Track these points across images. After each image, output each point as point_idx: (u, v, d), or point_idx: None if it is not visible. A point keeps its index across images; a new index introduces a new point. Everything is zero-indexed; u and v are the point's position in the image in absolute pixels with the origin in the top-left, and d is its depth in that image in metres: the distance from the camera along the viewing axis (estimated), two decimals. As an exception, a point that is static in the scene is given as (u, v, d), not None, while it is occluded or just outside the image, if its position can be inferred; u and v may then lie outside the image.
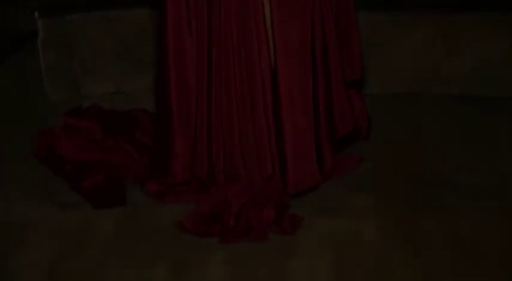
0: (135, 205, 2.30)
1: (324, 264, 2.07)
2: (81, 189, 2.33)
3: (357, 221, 2.21)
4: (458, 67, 2.84)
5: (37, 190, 2.38)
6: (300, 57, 2.19)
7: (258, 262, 2.08)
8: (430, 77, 2.87)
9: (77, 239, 2.17)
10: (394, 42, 2.84)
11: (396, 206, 2.27)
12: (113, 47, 2.83)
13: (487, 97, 2.83)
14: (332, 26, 2.25)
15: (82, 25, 2.80)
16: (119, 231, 2.20)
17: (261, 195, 2.24)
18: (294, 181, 2.24)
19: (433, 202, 2.29)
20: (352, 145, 2.51)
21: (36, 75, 2.81)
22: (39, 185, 2.40)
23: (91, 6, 2.82)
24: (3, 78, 2.68)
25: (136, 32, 2.82)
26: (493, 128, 2.66)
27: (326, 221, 2.21)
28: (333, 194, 2.32)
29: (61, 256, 2.10)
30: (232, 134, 2.22)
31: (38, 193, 2.36)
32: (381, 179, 2.40)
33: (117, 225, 2.22)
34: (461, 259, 2.06)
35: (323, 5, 2.21)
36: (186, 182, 2.31)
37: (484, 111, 2.77)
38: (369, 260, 2.08)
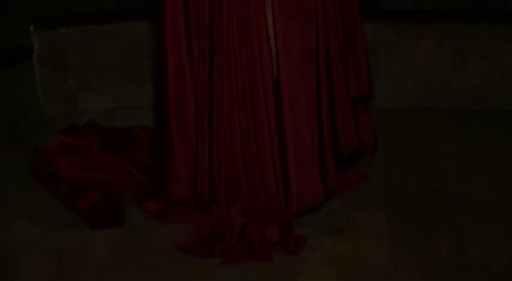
0: (134, 225, 2.25)
1: (329, 284, 2.02)
2: (78, 209, 2.28)
3: (362, 240, 2.17)
4: (464, 80, 2.83)
5: (33, 208, 2.33)
6: (303, 68, 2.13)
7: (261, 283, 2.04)
8: (435, 91, 2.85)
9: (75, 260, 2.12)
10: (398, 56, 2.82)
11: (401, 224, 2.23)
12: (109, 62, 2.81)
13: (494, 110, 2.81)
14: (336, 37, 2.21)
15: (78, 39, 2.77)
16: (117, 252, 2.14)
17: (265, 214, 2.19)
18: (298, 198, 2.18)
19: (439, 219, 2.25)
20: (357, 161, 2.47)
21: (31, 91, 2.76)
22: (35, 203, 2.35)
23: (87, 20, 2.80)
24: None
25: (132, 46, 2.80)
26: (501, 142, 2.63)
27: (331, 240, 2.16)
28: (337, 213, 2.28)
29: (59, 277, 2.05)
30: (234, 152, 2.17)
31: (34, 211, 2.31)
32: (385, 197, 2.36)
33: (116, 245, 2.17)
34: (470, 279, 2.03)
35: (327, 16, 2.17)
36: (186, 200, 2.26)
37: (490, 125, 2.75)
38: (374, 279, 2.03)
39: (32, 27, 2.72)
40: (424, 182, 2.42)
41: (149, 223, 2.25)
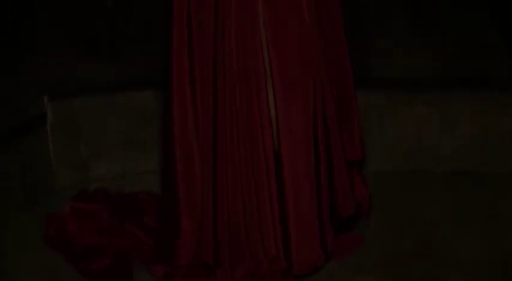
0: (143, 288, 2.33)
1: None
2: (90, 272, 2.37)
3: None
4: (455, 144, 2.94)
5: (46, 273, 2.40)
6: (303, 140, 2.25)
7: None
8: (426, 154, 2.96)
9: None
10: (390, 121, 2.94)
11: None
12: (119, 130, 2.92)
13: (484, 173, 2.90)
14: (333, 108, 2.33)
15: (89, 108, 2.89)
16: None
17: (265, 277, 2.29)
18: (299, 261, 2.28)
19: (434, 280, 2.33)
20: (354, 224, 2.56)
21: (44, 158, 2.84)
22: (47, 268, 2.42)
23: (97, 90, 2.93)
24: (11, 161, 2.72)
25: (140, 115, 2.92)
26: (492, 204, 2.72)
27: (330, 302, 2.25)
28: (336, 275, 2.35)
29: None
30: (237, 218, 2.28)
31: (46, 276, 2.38)
32: (382, 258, 2.43)
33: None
34: None
35: (324, 86, 2.29)
36: (192, 264, 2.34)
37: (481, 186, 2.84)
38: None
39: (46, 98, 2.83)
40: (419, 244, 2.49)
41: (158, 286, 2.33)
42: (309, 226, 2.29)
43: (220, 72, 2.22)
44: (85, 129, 2.90)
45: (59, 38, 3.13)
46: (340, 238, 2.45)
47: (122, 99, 2.91)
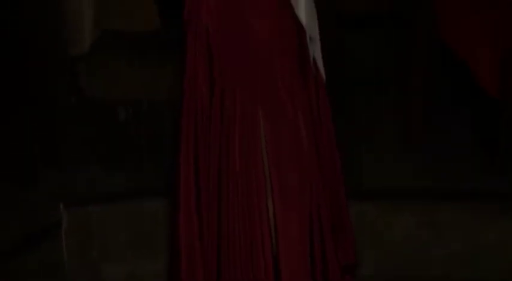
0: None
1: None
2: None
3: None
4: (442, 252, 3.08)
5: None
6: (300, 247, 2.41)
7: None
8: (415, 262, 3.09)
9: None
10: (380, 229, 3.10)
11: None
12: (129, 236, 3.07)
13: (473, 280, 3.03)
14: (327, 215, 2.49)
15: (101, 215, 3.06)
16: None
17: None
18: None
19: None
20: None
21: (58, 261, 2.98)
22: None
23: (110, 198, 3.11)
24: (28, 264, 2.84)
25: (150, 222, 3.07)
26: None
27: None
28: None
29: None
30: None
31: None
32: None
33: None
34: None
35: (319, 195, 2.46)
36: None
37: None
38: None
39: (61, 205, 3.01)
40: None
41: None
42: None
43: (224, 182, 2.40)
44: (97, 234, 3.06)
45: (75, 149, 3.33)
46: None
47: (133, 208, 3.09)
